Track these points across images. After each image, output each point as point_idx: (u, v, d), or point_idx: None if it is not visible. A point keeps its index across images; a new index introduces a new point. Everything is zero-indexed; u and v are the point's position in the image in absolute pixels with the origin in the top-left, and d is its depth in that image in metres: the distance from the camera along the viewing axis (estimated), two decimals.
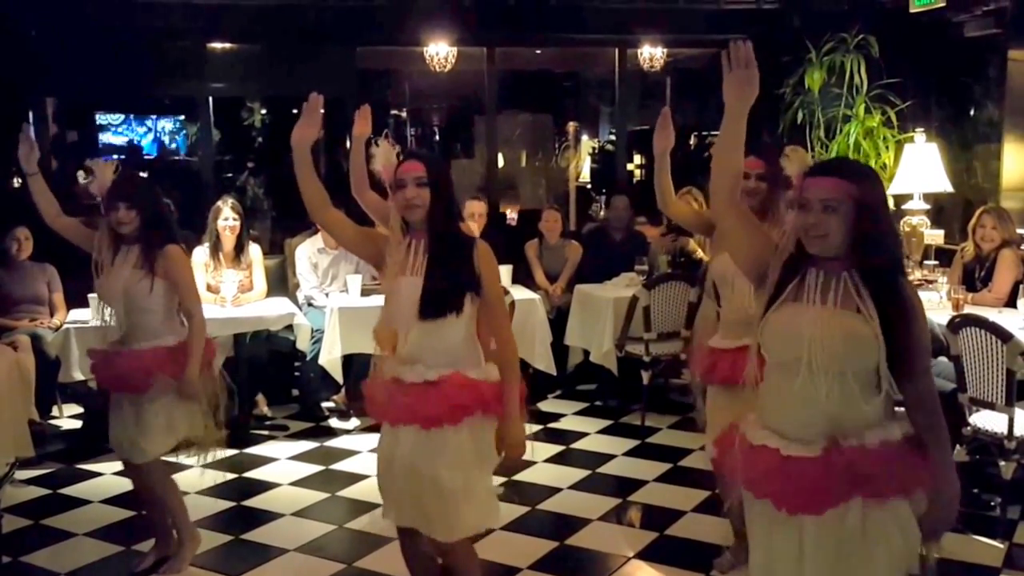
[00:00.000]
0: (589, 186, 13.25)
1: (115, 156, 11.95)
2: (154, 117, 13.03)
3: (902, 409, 2.71)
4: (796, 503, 2.64)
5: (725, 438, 2.93)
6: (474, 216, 7.83)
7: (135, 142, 13.06)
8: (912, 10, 7.82)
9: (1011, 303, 6.08)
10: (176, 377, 4.36)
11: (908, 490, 2.63)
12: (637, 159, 12.62)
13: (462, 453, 3.43)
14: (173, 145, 13.34)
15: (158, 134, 13.19)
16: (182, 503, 4.72)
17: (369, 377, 3.66)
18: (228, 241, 7.06)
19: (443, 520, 3.46)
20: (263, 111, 12.27)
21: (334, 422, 7.20)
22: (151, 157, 13.08)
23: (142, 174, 11.94)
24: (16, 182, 8.79)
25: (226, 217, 7.03)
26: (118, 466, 5.00)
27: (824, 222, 2.62)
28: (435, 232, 3.46)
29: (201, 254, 7.04)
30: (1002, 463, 5.03)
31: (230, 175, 11.70)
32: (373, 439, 6.61)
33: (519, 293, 7.25)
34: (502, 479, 5.60)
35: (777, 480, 2.67)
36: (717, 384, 4.24)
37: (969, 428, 5.13)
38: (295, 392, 7.59)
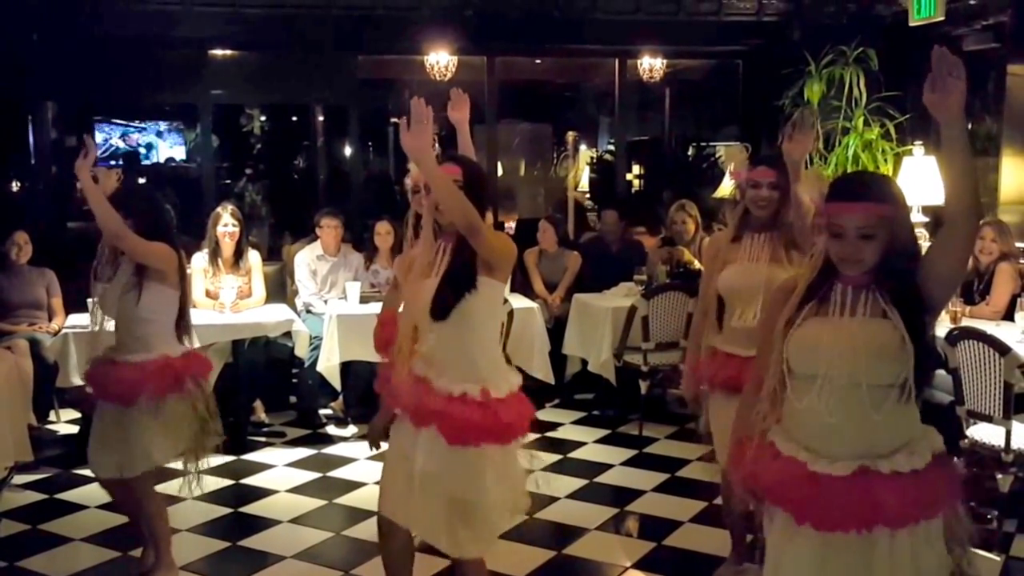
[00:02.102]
0: (588, 196, 13.27)
1: (113, 163, 12.01)
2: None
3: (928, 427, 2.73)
4: (818, 518, 2.63)
5: (741, 445, 2.90)
6: None
7: (135, 148, 13.05)
8: (911, 23, 7.83)
9: (1009, 316, 6.09)
10: (164, 394, 4.31)
11: (935, 513, 2.64)
12: (636, 169, 12.64)
13: (486, 472, 3.40)
14: (176, 149, 13.34)
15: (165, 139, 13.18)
16: (167, 527, 4.59)
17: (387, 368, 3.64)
18: (227, 247, 7.06)
19: (453, 536, 3.44)
20: (262, 118, 12.29)
21: (332, 429, 7.20)
22: (149, 163, 13.07)
23: (141, 180, 12.01)
24: (15, 186, 8.81)
25: (225, 223, 7.04)
26: None
27: (861, 249, 2.62)
28: (463, 236, 3.41)
29: (200, 260, 7.05)
30: (999, 476, 5.02)
31: (228, 181, 11.72)
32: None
33: (517, 302, 7.24)
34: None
35: (801, 493, 2.65)
36: (720, 389, 4.17)
37: (966, 441, 5.13)
38: (293, 399, 7.60)
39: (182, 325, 4.51)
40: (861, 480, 2.59)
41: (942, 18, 7.59)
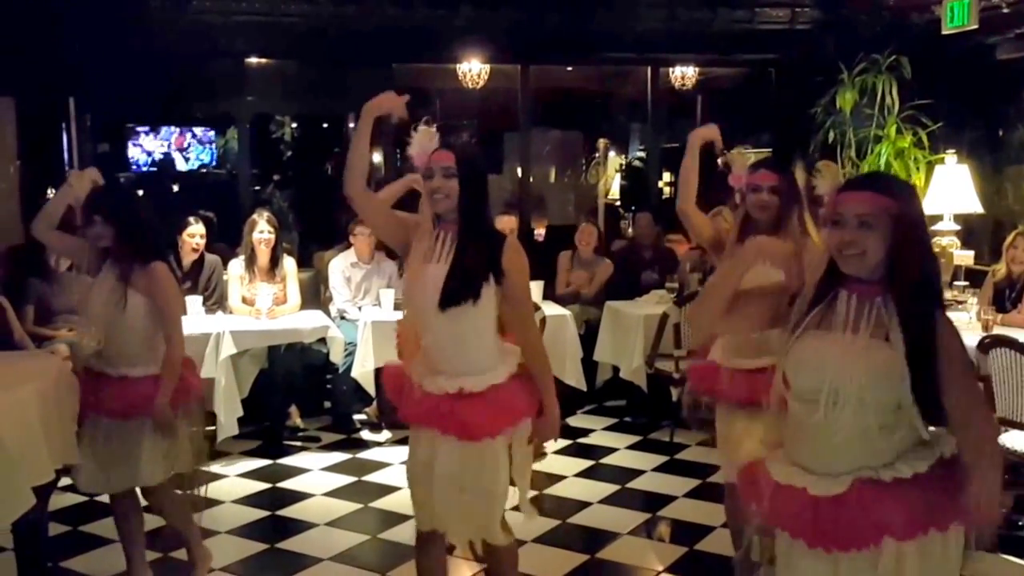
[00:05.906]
0: (619, 203, 13.29)
1: (146, 167, 12.12)
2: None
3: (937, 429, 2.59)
4: (825, 540, 2.55)
5: (749, 472, 2.81)
6: (503, 231, 7.90)
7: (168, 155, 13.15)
8: (944, 32, 7.82)
9: None
10: (176, 409, 4.24)
11: (942, 525, 2.52)
12: (667, 176, 12.66)
13: (500, 458, 3.43)
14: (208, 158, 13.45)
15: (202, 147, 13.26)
16: (190, 522, 4.60)
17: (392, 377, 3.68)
18: (263, 254, 7.13)
19: (488, 524, 3.48)
20: (293, 124, 12.37)
21: (366, 434, 7.28)
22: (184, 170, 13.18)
23: (174, 187, 12.11)
24: (50, 194, 8.93)
25: (262, 230, 7.11)
26: None
27: (860, 239, 2.49)
28: (465, 224, 3.41)
29: (237, 267, 7.14)
30: None
31: (257, 188, 11.80)
32: (405, 451, 6.68)
33: (550, 309, 7.30)
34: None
35: (805, 519, 2.57)
36: (732, 404, 4.06)
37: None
38: (328, 404, 7.67)
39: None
40: (863, 493, 2.51)
41: (975, 26, 7.58)
